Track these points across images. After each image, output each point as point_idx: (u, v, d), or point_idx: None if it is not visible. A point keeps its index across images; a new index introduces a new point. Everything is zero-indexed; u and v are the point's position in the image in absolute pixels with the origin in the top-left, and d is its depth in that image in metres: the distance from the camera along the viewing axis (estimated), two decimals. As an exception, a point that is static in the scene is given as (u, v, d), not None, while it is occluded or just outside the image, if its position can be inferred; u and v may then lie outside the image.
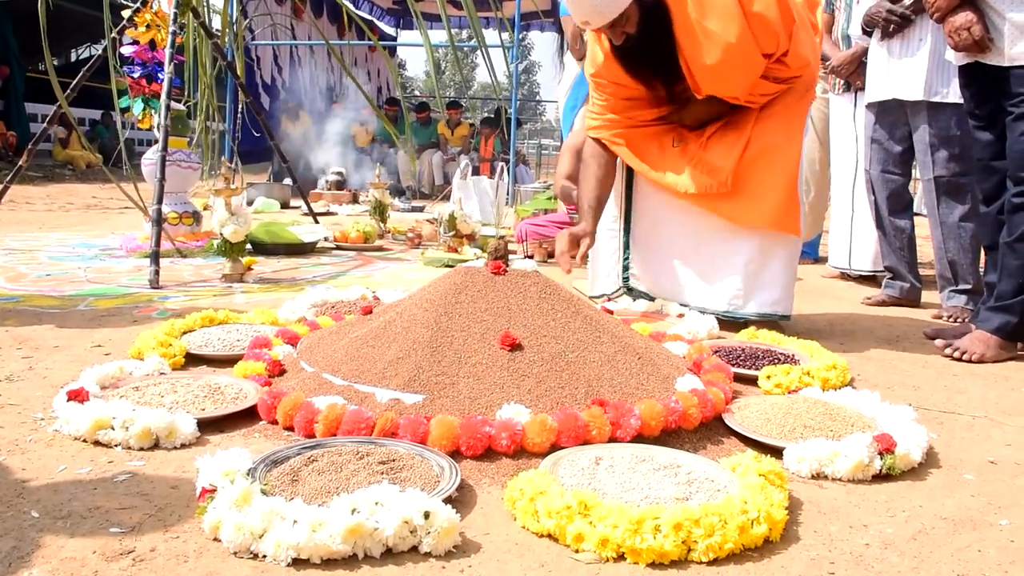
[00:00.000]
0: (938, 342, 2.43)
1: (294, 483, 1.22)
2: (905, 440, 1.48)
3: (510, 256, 1.91)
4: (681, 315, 2.61)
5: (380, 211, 4.97)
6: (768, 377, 1.93)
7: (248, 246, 3.16)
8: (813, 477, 1.42)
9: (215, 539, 1.09)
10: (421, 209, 7.47)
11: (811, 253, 4.59)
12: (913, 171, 3.33)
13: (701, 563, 1.09)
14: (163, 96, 3.21)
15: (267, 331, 2.18)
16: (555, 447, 1.44)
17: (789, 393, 1.86)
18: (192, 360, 1.98)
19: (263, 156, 9.11)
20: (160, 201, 3.06)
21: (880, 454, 1.43)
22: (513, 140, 7.99)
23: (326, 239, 4.25)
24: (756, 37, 2.26)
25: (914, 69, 3.01)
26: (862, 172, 3.53)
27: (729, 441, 1.60)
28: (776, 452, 1.50)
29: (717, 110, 2.51)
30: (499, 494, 1.29)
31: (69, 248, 3.92)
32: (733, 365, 2.05)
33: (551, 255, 4.38)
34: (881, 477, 1.42)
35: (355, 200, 7.39)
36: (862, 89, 3.49)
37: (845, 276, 4.01)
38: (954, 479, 1.44)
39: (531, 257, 4.30)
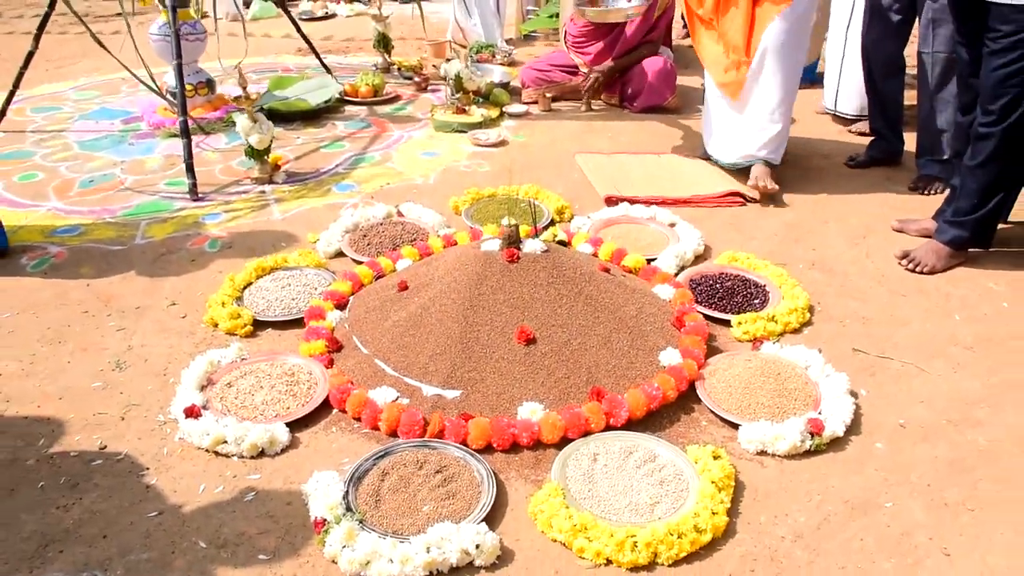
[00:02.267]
0: (896, 252, 2.76)
1: (378, 504, 1.70)
2: (832, 418, 1.93)
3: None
4: (672, 224, 2.93)
5: (384, 44, 4.97)
6: (739, 324, 2.33)
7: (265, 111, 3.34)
8: (758, 454, 1.89)
9: (333, 562, 1.59)
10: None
11: (809, 75, 4.66)
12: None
13: (664, 566, 1.59)
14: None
15: (314, 279, 2.55)
16: (564, 438, 1.89)
17: (755, 341, 2.27)
18: (259, 324, 2.38)
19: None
20: (185, 112, 3.22)
21: (811, 434, 1.89)
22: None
23: (337, 96, 4.35)
24: None
25: None
26: (859, 13, 3.56)
27: (699, 408, 2.05)
28: (733, 423, 1.96)
29: None
30: (524, 490, 1.77)
31: (92, 122, 4.11)
32: (710, 305, 2.43)
33: (555, 99, 4.50)
34: (811, 452, 1.88)
35: (351, -6, 7.14)
36: None
37: (834, 117, 4.17)
38: (867, 450, 1.90)
39: (534, 103, 4.42)
